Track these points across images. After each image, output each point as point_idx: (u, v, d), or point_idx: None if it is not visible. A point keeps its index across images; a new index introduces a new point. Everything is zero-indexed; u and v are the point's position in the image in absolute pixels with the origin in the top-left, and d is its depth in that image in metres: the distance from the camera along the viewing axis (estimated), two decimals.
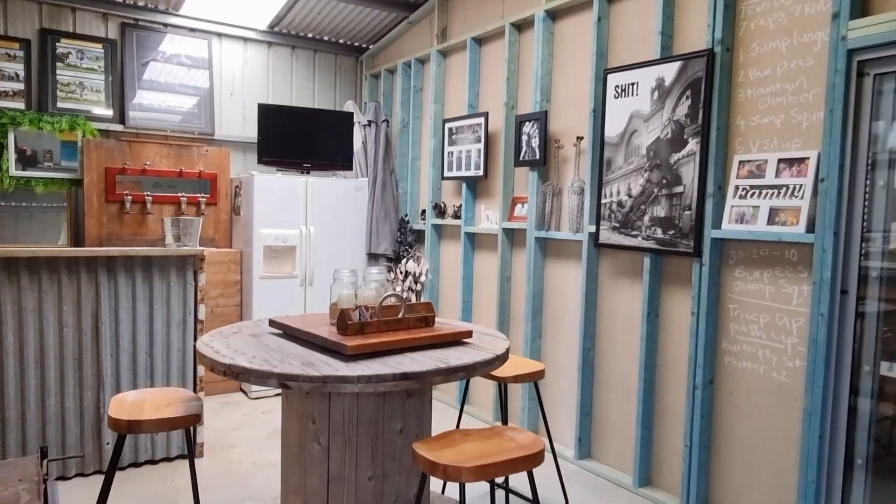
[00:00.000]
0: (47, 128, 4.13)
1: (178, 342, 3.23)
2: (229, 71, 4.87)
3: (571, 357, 3.46)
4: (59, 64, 4.24)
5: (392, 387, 1.78)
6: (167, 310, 3.20)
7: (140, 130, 4.49)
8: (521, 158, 3.68)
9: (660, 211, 2.88)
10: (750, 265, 2.60)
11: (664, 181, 2.86)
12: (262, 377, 1.79)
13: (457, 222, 4.25)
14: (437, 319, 2.54)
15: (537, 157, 3.55)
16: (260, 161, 4.54)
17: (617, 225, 3.09)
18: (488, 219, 4.03)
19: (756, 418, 2.58)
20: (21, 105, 4.13)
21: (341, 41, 5.27)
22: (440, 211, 4.43)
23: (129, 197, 4.27)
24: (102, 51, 4.37)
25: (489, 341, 2.25)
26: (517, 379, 2.59)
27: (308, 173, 4.63)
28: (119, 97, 4.43)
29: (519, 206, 3.81)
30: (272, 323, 2.30)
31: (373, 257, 4.74)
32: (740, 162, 2.63)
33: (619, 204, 3.08)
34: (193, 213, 4.53)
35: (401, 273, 4.71)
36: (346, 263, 4.66)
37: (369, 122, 4.80)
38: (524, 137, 3.65)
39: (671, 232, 2.82)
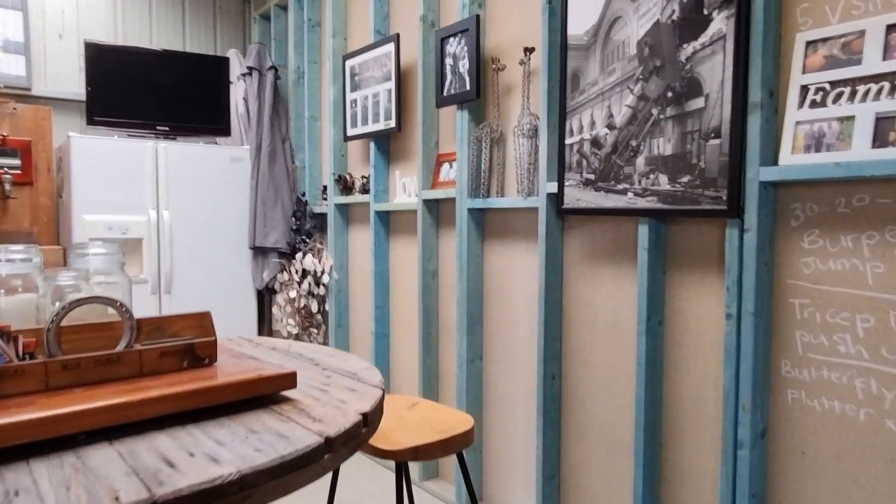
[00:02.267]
0: None
1: None
2: (56, 3, 3.56)
3: (528, 388, 2.27)
4: None
5: None
6: None
7: None
8: (444, 93, 2.48)
9: (664, 145, 1.72)
10: (833, 226, 1.45)
11: (670, 94, 1.70)
12: None
13: (365, 198, 3.03)
14: (264, 346, 1.32)
15: (467, 86, 2.36)
16: (91, 122, 3.25)
17: (591, 177, 1.91)
18: (405, 189, 2.82)
19: (854, 499, 1.42)
20: None
21: None
22: (345, 185, 3.21)
23: None
24: None
25: (340, 394, 1.04)
26: (422, 453, 1.38)
27: (172, 139, 3.35)
28: None
29: (446, 166, 2.61)
30: None
31: (260, 252, 3.49)
32: (809, 43, 1.48)
33: (595, 142, 1.90)
34: (4, 196, 3.21)
35: (296, 272, 3.46)
36: (221, 261, 3.40)
37: (250, 70, 3.55)
38: (448, 62, 2.46)
39: (685, 178, 1.66)
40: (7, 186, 3.21)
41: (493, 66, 2.32)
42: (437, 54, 2.50)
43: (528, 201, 2.15)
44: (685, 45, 1.66)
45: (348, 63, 3.09)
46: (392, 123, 2.80)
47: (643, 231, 1.79)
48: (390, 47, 2.78)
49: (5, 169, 3.23)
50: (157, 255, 3.20)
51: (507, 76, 2.31)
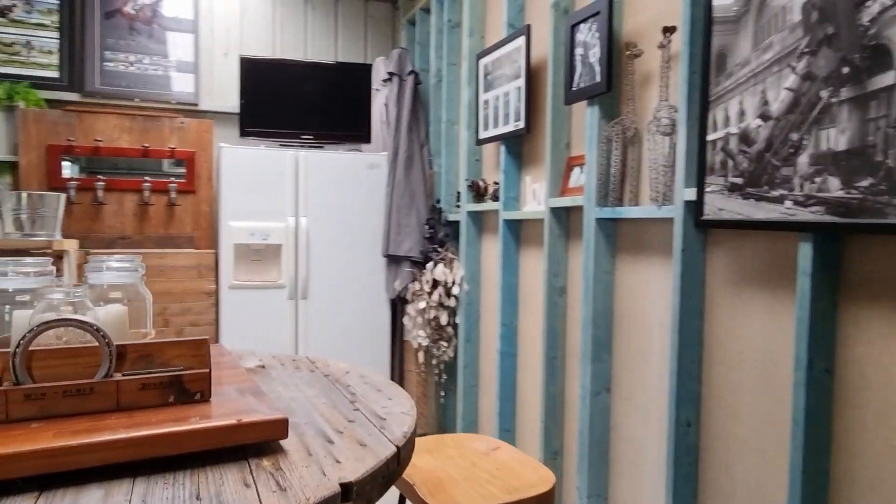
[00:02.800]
0: None
1: None
2: (223, 24, 3.82)
3: (660, 433, 1.91)
4: (0, 20, 3.41)
5: None
6: None
7: (101, 100, 3.55)
8: (573, 88, 2.20)
9: (836, 138, 1.30)
10: None
11: (847, 70, 1.28)
12: None
13: (496, 206, 2.82)
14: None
15: (597, 78, 2.06)
16: (243, 134, 3.42)
17: (738, 181, 1.53)
18: (535, 196, 2.57)
19: None
20: None
21: None
22: (478, 191, 3.03)
23: (75, 183, 3.31)
24: (57, 1, 3.48)
25: (345, 448, 0.85)
26: None
27: (319, 148, 3.43)
28: (78, 59, 3.51)
29: (577, 170, 2.32)
30: None
31: (393, 260, 3.43)
32: None
33: (744, 138, 1.52)
34: (164, 204, 3.49)
35: (427, 283, 3.35)
36: (356, 268, 3.39)
37: (390, 76, 3.52)
38: (578, 52, 2.17)
39: (865, 182, 1.23)
40: (173, 194, 3.48)
41: (628, 52, 1.99)
42: (567, 44, 2.22)
43: (663, 211, 1.80)
44: (868, 2, 1.23)
45: (482, 62, 2.91)
46: (521, 124, 2.56)
47: (805, 251, 1.38)
48: (521, 41, 2.55)
49: (172, 178, 3.51)
50: (295, 261, 3.27)
51: (644, 64, 1.97)
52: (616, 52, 2.05)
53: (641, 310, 1.99)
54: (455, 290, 3.16)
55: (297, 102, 3.47)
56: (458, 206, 3.28)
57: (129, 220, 3.45)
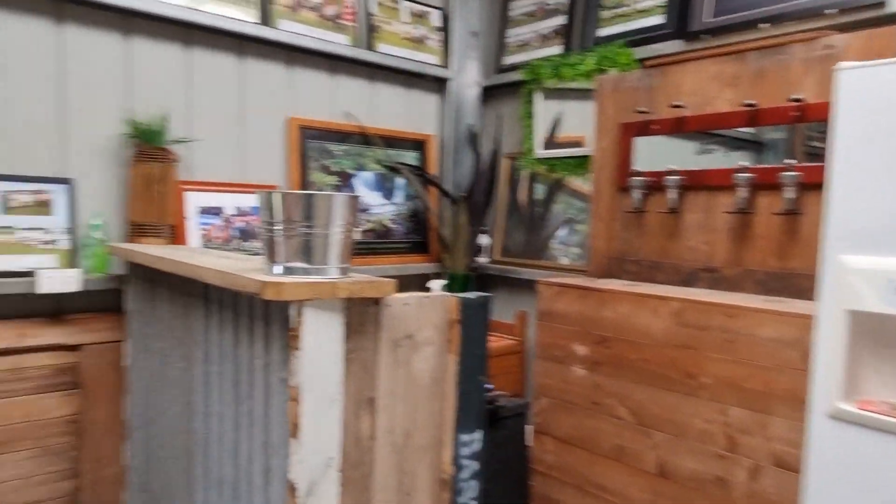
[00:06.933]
0: (568, 74, 2.53)
1: (264, 490, 1.23)
2: None
3: None
4: None
5: None
6: (249, 410, 1.28)
7: (708, 43, 2.16)
8: None
9: None
10: None
11: None
12: None
13: None
14: None
15: None
16: None
17: None
18: None
19: None
20: (560, 49, 2.69)
21: None
22: None
23: (640, 180, 2.10)
24: None
25: None
26: None
27: None
28: None
29: None
30: None
31: None
32: None
33: None
34: (775, 212, 1.81)
35: None
36: None
37: None
38: None
39: None
40: (789, 192, 1.79)
41: None
42: None
43: None
44: None
45: None
46: None
47: None
48: None
49: (790, 164, 1.82)
50: None
51: None
52: None
53: None
54: None
55: None
56: None
57: (722, 239, 1.98)
